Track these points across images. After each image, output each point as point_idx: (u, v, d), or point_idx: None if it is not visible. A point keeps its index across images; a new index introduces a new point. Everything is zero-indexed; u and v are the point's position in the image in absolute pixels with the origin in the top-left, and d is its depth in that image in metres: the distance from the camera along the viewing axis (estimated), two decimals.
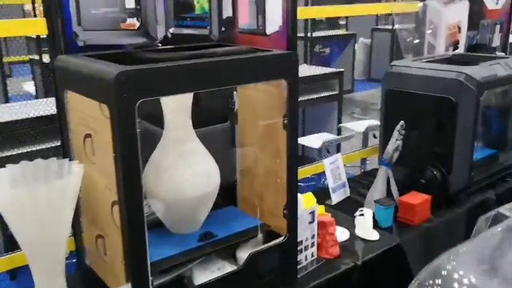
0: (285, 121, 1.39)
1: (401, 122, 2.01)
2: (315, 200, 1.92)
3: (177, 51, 1.38)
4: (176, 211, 1.39)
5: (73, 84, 1.27)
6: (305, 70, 4.39)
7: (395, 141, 2.00)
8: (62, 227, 1.20)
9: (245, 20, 1.86)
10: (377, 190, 2.01)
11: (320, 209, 1.90)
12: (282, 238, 1.47)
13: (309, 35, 6.35)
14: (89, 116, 1.21)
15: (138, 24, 1.61)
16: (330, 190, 2.08)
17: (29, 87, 5.08)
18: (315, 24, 6.88)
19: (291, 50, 2.02)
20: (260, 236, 1.53)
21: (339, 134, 4.27)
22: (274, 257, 1.47)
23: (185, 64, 1.14)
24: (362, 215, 1.88)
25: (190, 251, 1.36)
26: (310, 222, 1.62)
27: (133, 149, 1.10)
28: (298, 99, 4.18)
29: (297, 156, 1.46)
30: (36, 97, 4.61)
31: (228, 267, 1.41)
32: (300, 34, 6.15)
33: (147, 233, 1.16)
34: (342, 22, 8.34)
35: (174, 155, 1.37)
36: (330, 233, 1.67)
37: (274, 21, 1.93)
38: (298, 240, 1.59)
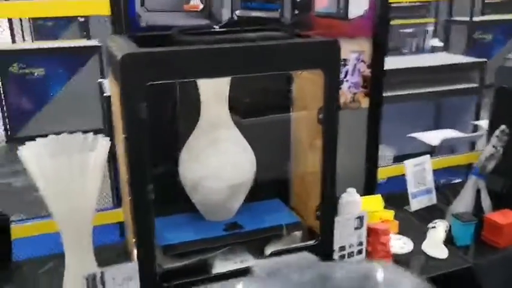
0: (320, 115, 1.27)
1: (503, 127, 1.71)
2: (381, 204, 1.77)
3: (221, 35, 1.35)
4: (202, 198, 1.38)
5: (110, 63, 1.32)
6: (440, 58, 3.98)
7: (491, 148, 1.71)
8: (87, 198, 1.27)
9: (324, 2, 1.74)
10: (462, 202, 1.75)
11: (388, 214, 1.74)
12: (313, 241, 1.37)
13: (461, 19, 5.75)
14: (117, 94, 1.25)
15: (201, 6, 1.60)
16: (409, 195, 1.87)
17: None
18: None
19: (378, 38, 1.84)
20: (299, 234, 1.45)
21: (474, 131, 3.82)
22: None
23: (194, 49, 1.10)
24: (434, 227, 1.66)
25: (211, 239, 1.34)
26: (356, 228, 1.48)
27: (138, 132, 1.10)
28: (432, 90, 3.80)
29: (335, 154, 1.32)
30: None
31: (250, 262, 1.36)
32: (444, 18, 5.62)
33: (154, 216, 1.18)
34: None
35: (204, 141, 1.35)
36: (381, 242, 1.50)
37: (358, 4, 1.77)
38: (341, 245, 1.47)
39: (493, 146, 1.70)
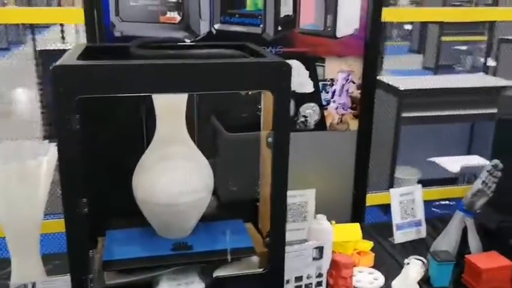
0: (269, 139, 1.21)
1: (495, 162, 1.58)
2: (359, 233, 1.68)
3: (181, 50, 1.32)
4: (151, 215, 1.34)
5: None
6: (474, 80, 3.76)
7: (480, 184, 1.58)
8: (32, 205, 1.27)
9: (309, 19, 1.68)
10: (446, 239, 1.62)
11: (365, 245, 1.65)
12: (261, 269, 1.30)
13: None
14: None
15: (179, 18, 1.58)
16: (394, 226, 1.76)
17: None
18: None
19: (370, 57, 1.75)
20: (256, 259, 1.39)
21: None
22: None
23: (126, 64, 1.07)
24: (409, 264, 1.54)
25: (155, 258, 1.30)
26: (315, 259, 1.40)
27: (70, 144, 1.08)
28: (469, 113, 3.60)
29: (286, 180, 1.26)
30: None
31: (195, 285, 1.31)
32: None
33: (86, 232, 1.16)
34: None
35: (156, 156, 1.32)
36: (342, 276, 1.41)
37: (348, 22, 1.70)
38: (297, 275, 1.40)
39: (483, 182, 1.57)
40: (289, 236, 1.69)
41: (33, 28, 5.02)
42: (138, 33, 1.55)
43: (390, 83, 3.42)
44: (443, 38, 9.10)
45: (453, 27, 9.02)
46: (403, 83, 3.43)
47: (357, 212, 1.90)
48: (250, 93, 1.32)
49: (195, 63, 1.09)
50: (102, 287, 1.27)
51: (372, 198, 2.09)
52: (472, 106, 3.31)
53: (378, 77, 3.65)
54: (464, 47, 9.47)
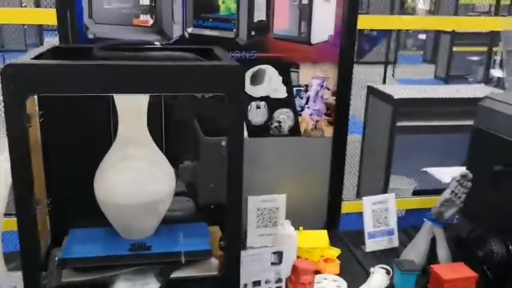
0: (223, 143, 1.22)
1: (465, 172, 1.57)
2: (326, 240, 1.67)
3: (142, 52, 1.33)
4: (110, 215, 1.35)
5: None
6: (473, 91, 3.72)
7: (449, 194, 1.56)
8: None
9: (284, 25, 1.68)
10: (414, 249, 1.61)
11: (332, 252, 1.64)
12: (215, 272, 1.31)
13: None
14: None
15: (151, 22, 1.60)
16: (365, 235, 1.75)
17: None
18: None
19: (345, 64, 1.75)
20: (215, 262, 1.39)
21: None
22: None
23: (77, 64, 1.09)
24: (374, 273, 1.53)
25: (111, 258, 1.31)
26: (273, 264, 1.39)
27: (20, 143, 1.10)
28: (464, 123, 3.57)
29: (241, 185, 1.26)
30: None
31: (150, 286, 1.31)
32: None
33: (38, 228, 1.17)
34: None
35: (116, 157, 1.33)
36: (301, 282, 1.40)
37: (322, 29, 1.70)
38: (255, 279, 1.40)
39: (452, 192, 1.56)
40: (259, 241, 1.71)
41: (41, 30, 5.11)
42: (111, 36, 1.57)
43: (385, 91, 3.41)
44: (455, 48, 9.03)
45: (465, 37, 8.94)
46: (399, 92, 3.42)
47: (331, 219, 1.89)
48: (206, 96, 1.33)
49: (146, 65, 1.10)
50: (58, 285, 1.28)
51: (350, 206, 2.08)
52: (467, 116, 3.27)
53: (371, 85, 3.64)
54: (476, 58, 9.37)
